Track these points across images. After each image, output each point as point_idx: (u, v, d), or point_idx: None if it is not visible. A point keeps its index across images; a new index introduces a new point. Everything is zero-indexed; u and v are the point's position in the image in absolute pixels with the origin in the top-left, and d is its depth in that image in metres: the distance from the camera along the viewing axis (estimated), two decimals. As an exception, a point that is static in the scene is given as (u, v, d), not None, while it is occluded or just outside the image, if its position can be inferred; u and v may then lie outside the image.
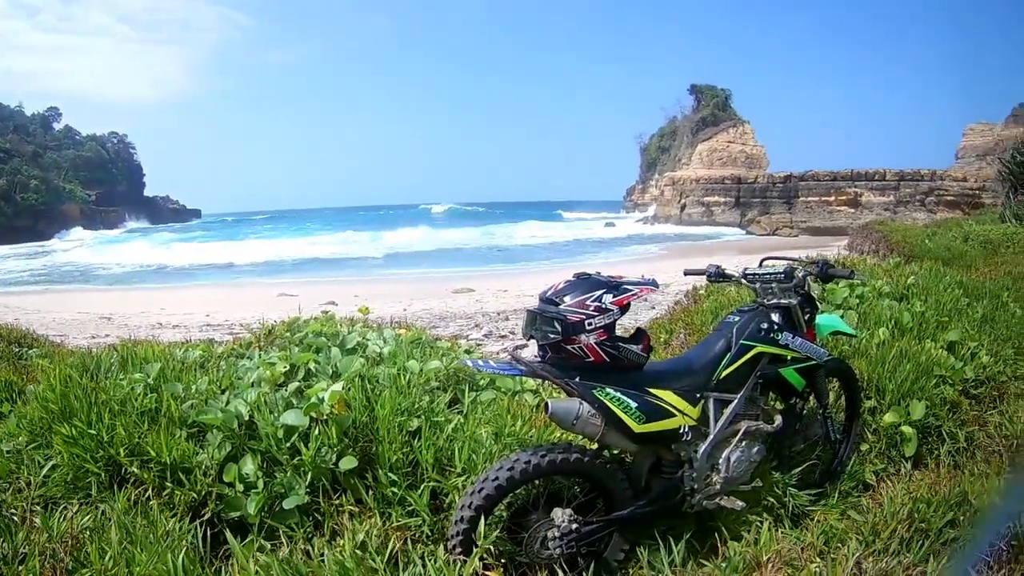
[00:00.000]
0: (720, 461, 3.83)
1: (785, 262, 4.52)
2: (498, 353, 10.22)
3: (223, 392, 4.55)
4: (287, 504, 3.70)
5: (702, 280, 4.99)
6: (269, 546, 3.44)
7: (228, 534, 3.38)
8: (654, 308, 13.51)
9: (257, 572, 3.03)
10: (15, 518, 3.51)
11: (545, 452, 3.40)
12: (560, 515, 3.46)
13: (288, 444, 3.97)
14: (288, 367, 4.95)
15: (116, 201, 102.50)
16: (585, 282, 3.42)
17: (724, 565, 3.11)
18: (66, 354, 5.75)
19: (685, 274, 4.90)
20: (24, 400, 4.93)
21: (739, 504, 3.83)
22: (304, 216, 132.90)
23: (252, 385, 4.64)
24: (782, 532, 3.67)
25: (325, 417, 4.08)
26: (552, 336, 3.29)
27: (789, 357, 4.19)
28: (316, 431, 3.99)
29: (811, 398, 4.68)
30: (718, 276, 4.66)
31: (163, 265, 47.16)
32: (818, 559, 3.03)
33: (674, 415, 3.60)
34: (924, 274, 9.66)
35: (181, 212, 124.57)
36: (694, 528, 3.85)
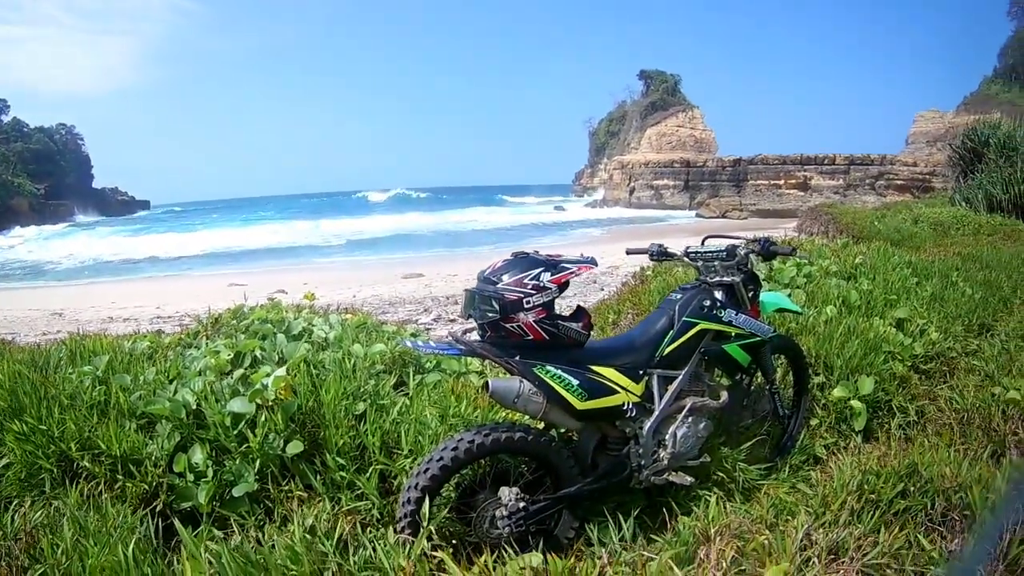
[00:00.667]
0: (667, 437, 3.91)
1: (727, 241, 4.56)
2: (447, 337, 10.35)
3: (171, 382, 4.60)
4: (236, 492, 3.73)
5: (651, 261, 5.14)
6: (221, 535, 3.44)
7: (178, 524, 3.35)
8: (603, 290, 13.65)
9: (210, 562, 3.03)
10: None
11: (489, 431, 3.44)
12: (507, 494, 3.50)
13: (236, 432, 4.01)
14: (233, 355, 4.98)
15: (65, 194, 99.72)
16: (523, 261, 3.46)
17: (674, 539, 3.15)
18: (16, 351, 5.64)
19: (628, 253, 4.96)
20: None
21: (688, 479, 3.93)
22: (252, 205, 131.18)
23: (199, 374, 4.69)
24: (732, 506, 3.71)
25: (271, 403, 4.11)
26: (490, 315, 3.34)
27: (733, 334, 4.27)
28: (263, 418, 4.04)
29: (758, 374, 4.78)
30: (660, 255, 4.71)
31: (113, 258, 46.24)
32: (767, 531, 3.06)
33: (617, 392, 3.68)
34: (872, 254, 9.94)
35: (130, 204, 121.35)
36: (644, 504, 3.94)
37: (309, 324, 6.03)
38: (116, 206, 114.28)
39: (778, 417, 4.85)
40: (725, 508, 3.53)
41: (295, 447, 3.93)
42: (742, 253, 4.43)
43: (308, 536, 3.27)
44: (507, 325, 3.35)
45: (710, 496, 3.74)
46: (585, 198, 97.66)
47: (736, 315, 4.26)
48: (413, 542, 3.09)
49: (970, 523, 3.07)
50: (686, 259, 4.55)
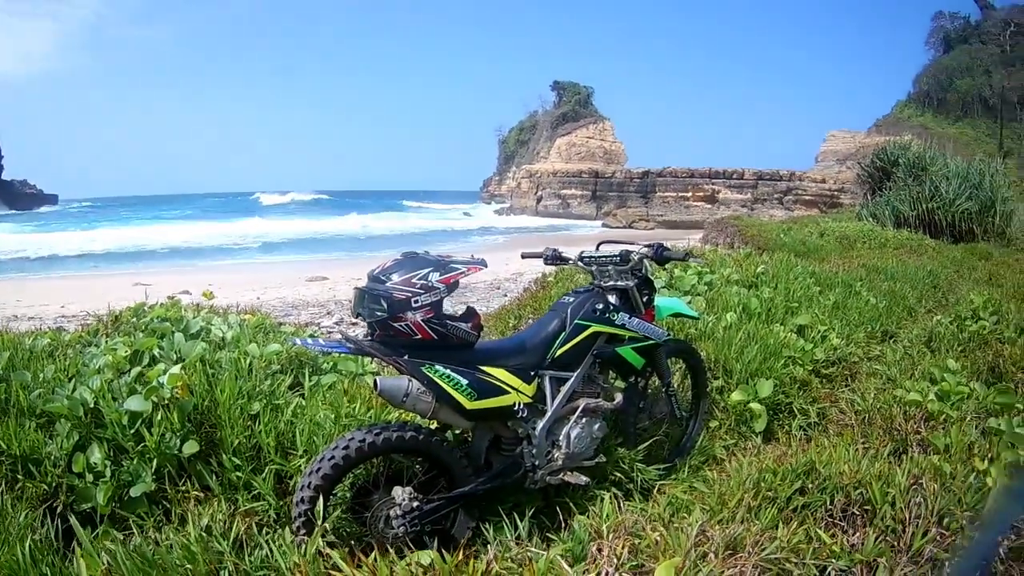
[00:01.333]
0: (560, 438, 4.00)
1: (622, 246, 4.63)
2: (337, 335, 10.27)
3: (70, 380, 4.53)
4: (134, 492, 3.74)
5: (546, 266, 5.13)
6: (121, 536, 3.39)
7: (75, 524, 3.33)
8: (506, 296, 13.85)
9: (107, 561, 2.99)
10: None
11: (380, 430, 3.47)
12: (401, 494, 3.52)
13: (133, 431, 4.00)
14: (131, 353, 4.98)
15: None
16: (412, 261, 3.51)
17: (568, 537, 3.14)
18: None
19: (523, 257, 5.07)
20: None
21: (583, 479, 4.02)
22: (165, 202, 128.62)
23: (98, 372, 4.64)
24: (630, 505, 3.75)
25: (168, 402, 4.12)
26: (379, 314, 3.36)
27: (626, 337, 4.38)
28: (159, 416, 4.04)
29: (654, 377, 4.85)
30: (555, 259, 4.82)
31: (18, 254, 44.68)
32: (663, 528, 3.06)
33: (507, 392, 3.74)
34: (775, 264, 10.28)
35: (37, 197, 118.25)
36: (541, 503, 4.02)
37: (207, 323, 6.06)
38: (23, 199, 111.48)
39: (676, 419, 4.95)
40: (621, 507, 3.56)
41: (191, 447, 3.94)
42: (636, 258, 4.53)
43: (204, 536, 3.28)
44: (395, 324, 3.37)
45: (607, 496, 3.74)
46: (493, 205, 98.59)
47: (629, 319, 4.37)
48: (308, 541, 3.09)
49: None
50: (580, 264, 4.63)
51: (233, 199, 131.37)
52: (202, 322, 6.03)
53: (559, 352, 4.04)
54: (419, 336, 3.41)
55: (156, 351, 5.05)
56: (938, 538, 3.06)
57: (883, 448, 4.36)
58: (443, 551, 2.97)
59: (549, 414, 3.94)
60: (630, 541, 2.97)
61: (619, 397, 4.36)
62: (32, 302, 18.89)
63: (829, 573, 2.91)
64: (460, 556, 2.86)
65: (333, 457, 3.35)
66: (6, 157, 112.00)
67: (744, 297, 7.86)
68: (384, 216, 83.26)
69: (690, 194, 73.51)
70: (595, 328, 4.19)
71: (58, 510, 3.63)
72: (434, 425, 3.86)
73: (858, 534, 3.17)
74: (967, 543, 2.98)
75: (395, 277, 3.39)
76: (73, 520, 3.37)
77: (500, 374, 3.73)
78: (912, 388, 5.26)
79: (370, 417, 4.44)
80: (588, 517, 3.39)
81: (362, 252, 40.01)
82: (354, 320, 13.37)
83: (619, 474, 4.37)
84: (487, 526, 3.62)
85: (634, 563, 2.83)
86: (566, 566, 2.77)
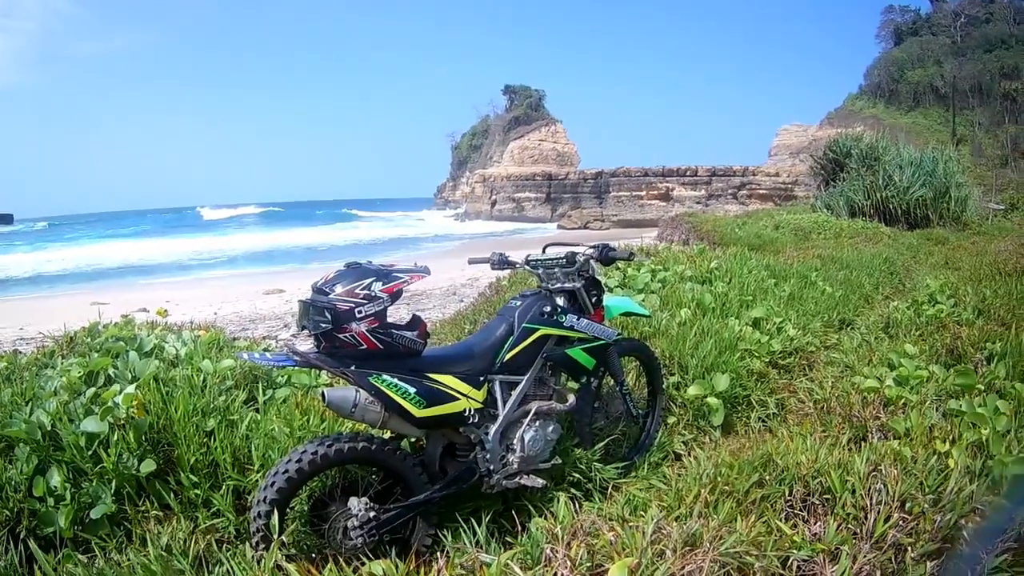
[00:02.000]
0: (514, 441, 4.05)
1: (568, 248, 4.68)
2: (283, 348, 10.35)
3: (27, 403, 4.49)
4: (95, 514, 3.74)
5: (492, 271, 5.17)
6: (85, 559, 3.43)
7: (35, 549, 3.33)
8: (462, 301, 14.09)
9: None
10: None
11: (332, 442, 3.51)
12: (357, 504, 3.56)
13: (91, 452, 3.99)
14: (86, 373, 4.96)
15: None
16: (355, 271, 3.53)
17: (526, 540, 3.14)
18: None
19: (470, 263, 5.08)
20: None
21: (539, 482, 4.06)
22: (120, 219, 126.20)
23: (54, 394, 4.63)
24: (589, 505, 3.84)
25: (123, 422, 4.13)
26: (323, 325, 3.38)
27: (575, 338, 4.40)
28: (116, 437, 4.04)
29: (607, 377, 4.89)
30: (501, 263, 4.84)
31: None
32: (618, 527, 3.07)
33: (457, 398, 3.78)
34: (729, 258, 10.41)
35: None
36: (499, 508, 4.06)
37: (161, 341, 6.03)
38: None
39: (632, 417, 4.98)
40: (579, 508, 3.63)
41: (148, 466, 3.95)
42: (581, 260, 4.57)
43: (164, 555, 3.34)
44: (340, 335, 3.39)
45: (568, 497, 3.81)
46: (447, 211, 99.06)
47: (577, 320, 4.40)
48: (266, 556, 3.12)
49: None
50: (527, 267, 4.67)
51: (175, 214, 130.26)
52: (156, 340, 5.98)
53: (508, 356, 4.08)
54: (365, 346, 3.43)
55: (111, 371, 5.04)
56: (900, 523, 3.07)
57: (842, 436, 4.39)
58: (400, 560, 3.01)
59: (501, 419, 3.97)
60: (587, 542, 2.97)
61: (572, 398, 4.42)
62: (-11, 325, 18.58)
63: (791, 564, 2.91)
64: (412, 564, 2.91)
65: (287, 471, 3.37)
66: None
67: (698, 293, 7.95)
68: (338, 226, 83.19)
69: (644, 193, 74.01)
70: (543, 331, 4.23)
71: (21, 535, 3.61)
72: (388, 434, 3.92)
73: (819, 523, 3.19)
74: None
75: (338, 288, 3.42)
76: (33, 545, 3.35)
77: (449, 381, 3.75)
78: (870, 375, 5.33)
79: (324, 429, 4.45)
80: (544, 519, 3.38)
81: (317, 263, 39.98)
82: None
83: (577, 475, 4.41)
84: (445, 533, 3.64)
85: (590, 564, 2.83)
86: (519, 570, 2.77)
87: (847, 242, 15.62)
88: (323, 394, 3.56)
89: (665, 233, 22.86)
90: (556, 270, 4.56)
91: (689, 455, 4.46)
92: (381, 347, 3.47)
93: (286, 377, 5.35)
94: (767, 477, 3.58)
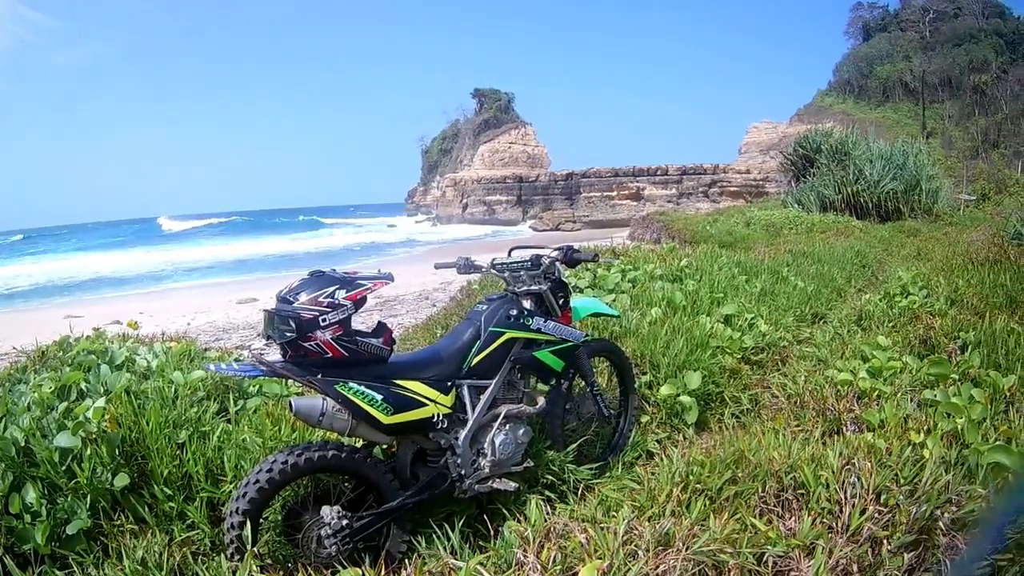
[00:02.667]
0: (485, 446, 4.06)
1: (533, 251, 4.71)
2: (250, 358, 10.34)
3: (1, 419, 4.46)
4: (71, 529, 3.72)
5: (458, 275, 5.30)
6: (63, 575, 3.54)
7: (11, 565, 3.39)
8: (435, 306, 14.07)
9: None
10: None
11: (302, 451, 3.50)
12: (329, 513, 3.57)
13: (65, 467, 3.97)
14: (58, 388, 4.95)
15: None
16: (318, 279, 3.55)
17: (499, 544, 3.16)
18: None
19: (436, 268, 5.17)
20: None
21: (512, 485, 4.06)
22: (84, 231, 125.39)
23: (27, 409, 4.61)
24: (563, 507, 3.83)
25: (96, 436, 4.11)
26: (288, 334, 3.37)
27: (543, 341, 4.44)
28: (89, 451, 4.01)
29: (577, 378, 4.88)
30: (467, 267, 4.89)
31: None
32: (590, 529, 3.07)
33: (425, 404, 3.79)
34: (699, 256, 10.51)
35: None
36: (473, 512, 4.07)
37: (132, 354, 6.03)
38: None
39: (604, 418, 4.97)
40: (553, 510, 3.65)
41: (122, 480, 3.94)
42: (547, 262, 4.60)
43: (140, 568, 3.41)
44: (305, 344, 3.40)
45: (541, 499, 3.84)
46: (419, 216, 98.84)
47: (544, 322, 4.44)
48: (240, 567, 3.14)
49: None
50: (493, 271, 4.69)
51: (141, 225, 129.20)
52: (127, 352, 5.99)
53: (476, 360, 4.09)
54: (330, 354, 3.44)
55: (83, 385, 5.04)
56: (876, 515, 3.07)
57: (815, 429, 4.42)
58: (372, 567, 3.04)
59: (471, 423, 3.99)
60: (559, 544, 2.97)
61: (542, 401, 4.44)
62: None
63: (767, 560, 2.91)
64: (382, 572, 2.93)
65: (258, 481, 3.37)
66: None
67: (669, 291, 7.99)
68: (309, 234, 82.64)
69: (615, 193, 74.19)
70: (510, 334, 4.25)
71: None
72: (359, 442, 3.89)
73: (794, 518, 3.19)
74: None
75: (302, 297, 3.42)
76: (9, 562, 3.38)
77: (416, 387, 3.76)
78: (843, 368, 5.35)
79: (294, 438, 4.43)
80: (518, 523, 3.37)
81: (289, 271, 39.90)
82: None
83: (551, 477, 4.43)
84: (420, 539, 3.65)
85: (562, 567, 2.84)
86: (486, 574, 2.77)
87: (819, 237, 15.81)
88: (291, 403, 3.55)
89: (636, 232, 23.06)
90: (522, 273, 4.59)
91: (663, 454, 4.45)
92: (346, 355, 3.48)
93: (257, 387, 5.33)
94: (740, 474, 3.59)
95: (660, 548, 2.90)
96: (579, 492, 4.24)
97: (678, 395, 5.38)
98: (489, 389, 4.13)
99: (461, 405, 4.02)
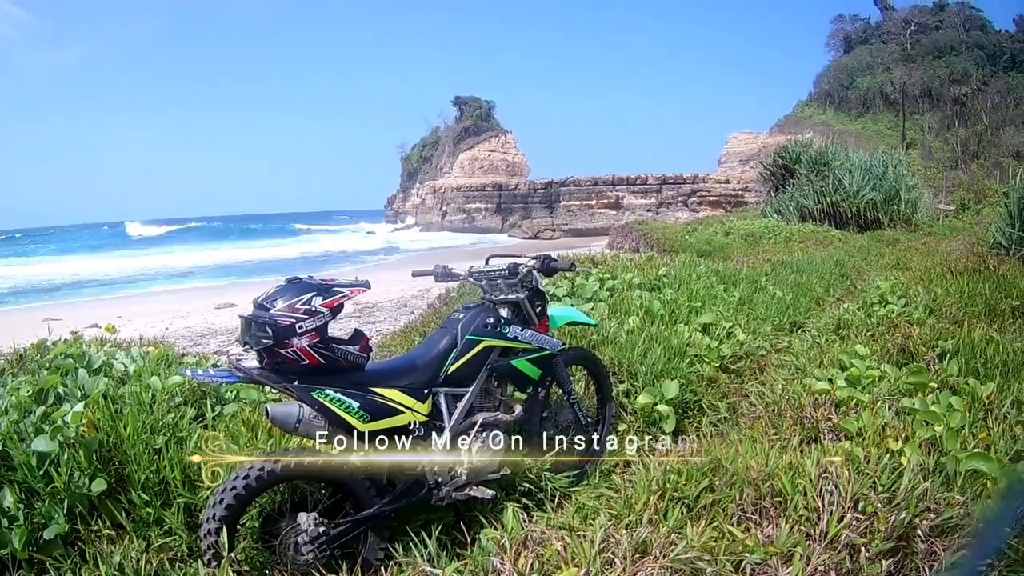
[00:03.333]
0: (462, 453, 4.03)
1: (510, 259, 4.77)
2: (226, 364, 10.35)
3: None
4: (48, 534, 3.73)
5: (436, 283, 5.28)
6: None
7: None
8: (413, 313, 13.97)
9: None
10: None
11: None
12: (306, 520, 3.59)
13: (42, 472, 3.99)
14: (36, 392, 4.95)
15: None
16: (295, 286, 3.58)
17: (476, 552, 3.18)
18: None
19: (413, 275, 5.19)
20: None
21: (489, 493, 4.09)
22: (62, 233, 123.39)
23: (4, 413, 4.61)
24: (540, 515, 3.86)
25: (73, 441, 4.12)
26: (265, 341, 3.41)
27: (520, 349, 4.50)
28: (67, 456, 4.03)
29: (555, 386, 4.92)
30: (445, 276, 4.94)
31: None
32: (567, 537, 3.08)
33: (401, 412, 3.85)
34: (678, 265, 10.62)
35: None
36: (450, 520, 4.08)
37: (110, 358, 6.05)
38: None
39: (581, 426, 5.00)
40: (530, 517, 3.71)
41: (99, 485, 3.94)
42: (524, 271, 4.68)
43: (118, 574, 3.47)
44: (282, 351, 3.43)
45: (518, 507, 3.82)
46: (397, 223, 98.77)
47: (521, 331, 4.50)
48: (217, 573, 3.20)
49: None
50: (470, 279, 4.74)
51: (113, 229, 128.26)
52: (104, 357, 6.03)
53: (452, 368, 4.14)
54: (307, 361, 3.47)
55: (60, 389, 5.03)
56: (854, 523, 3.09)
57: (793, 438, 4.45)
58: (349, 574, 3.19)
59: (447, 431, 4.02)
60: (536, 552, 2.99)
61: (519, 409, 4.49)
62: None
63: (744, 567, 2.92)
64: None
65: (235, 488, 3.41)
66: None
67: (647, 300, 8.05)
68: (287, 240, 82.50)
69: (594, 202, 74.50)
70: (487, 343, 4.30)
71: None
72: (336, 449, 3.83)
73: (772, 526, 3.20)
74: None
75: (279, 303, 3.45)
76: None
77: (393, 394, 3.80)
78: (821, 376, 5.38)
79: (271, 445, 4.45)
80: (495, 530, 3.40)
81: (268, 276, 39.76)
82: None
83: (528, 484, 4.43)
84: (397, 546, 3.64)
85: (540, 574, 2.87)
86: None
87: (797, 246, 15.92)
88: (267, 410, 3.61)
89: (615, 241, 23.07)
90: (499, 281, 4.63)
91: (641, 462, 4.47)
92: (323, 362, 3.50)
93: (235, 393, 5.36)
94: (717, 482, 3.59)
95: (637, 556, 2.92)
96: (556, 500, 4.24)
97: (656, 403, 5.40)
98: (466, 397, 4.19)
99: (438, 413, 4.06)
